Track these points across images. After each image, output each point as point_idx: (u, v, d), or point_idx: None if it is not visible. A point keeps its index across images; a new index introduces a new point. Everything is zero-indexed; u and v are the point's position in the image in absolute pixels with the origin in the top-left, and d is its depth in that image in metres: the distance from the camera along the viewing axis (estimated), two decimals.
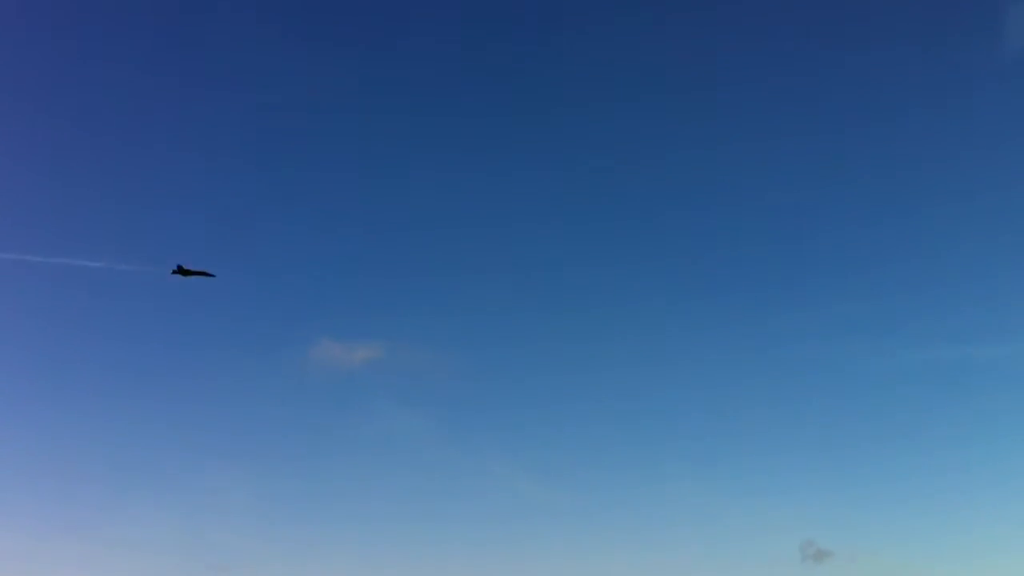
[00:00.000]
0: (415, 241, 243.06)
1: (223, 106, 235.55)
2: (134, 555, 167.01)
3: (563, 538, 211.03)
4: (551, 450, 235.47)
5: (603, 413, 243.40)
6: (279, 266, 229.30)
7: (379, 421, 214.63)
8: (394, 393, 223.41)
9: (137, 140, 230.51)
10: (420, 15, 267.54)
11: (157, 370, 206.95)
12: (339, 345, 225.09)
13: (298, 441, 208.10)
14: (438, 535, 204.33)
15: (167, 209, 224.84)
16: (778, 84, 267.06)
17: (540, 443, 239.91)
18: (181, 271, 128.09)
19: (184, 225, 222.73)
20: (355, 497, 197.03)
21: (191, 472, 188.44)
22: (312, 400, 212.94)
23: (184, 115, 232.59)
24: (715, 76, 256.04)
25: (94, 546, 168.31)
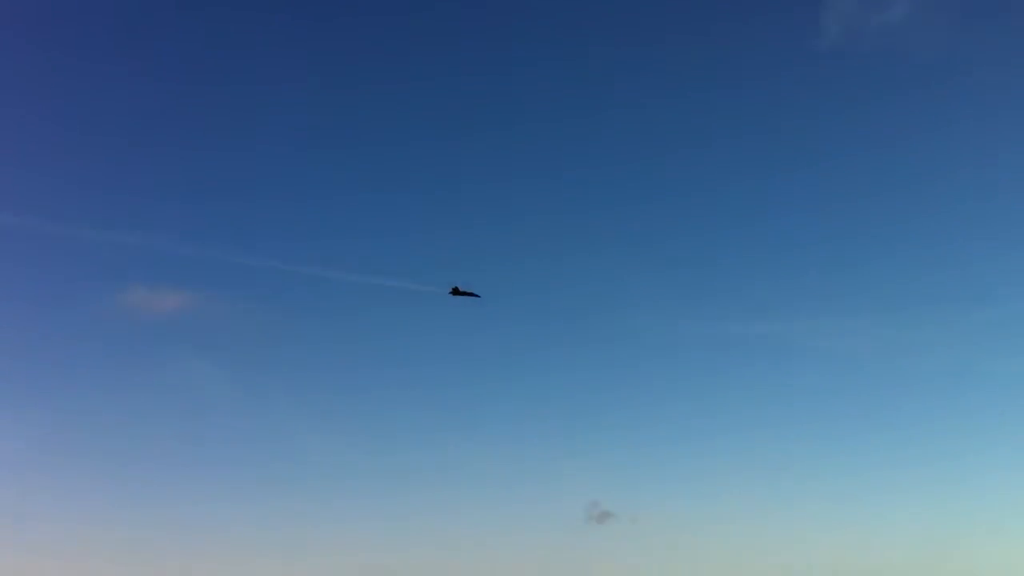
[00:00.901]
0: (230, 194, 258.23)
1: None
2: None
3: (352, 498, 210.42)
4: (347, 411, 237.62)
5: (398, 381, 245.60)
6: (89, 214, 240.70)
7: (178, 371, 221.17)
8: (197, 343, 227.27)
9: None
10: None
11: None
12: (149, 293, 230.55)
13: (93, 386, 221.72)
14: (224, 487, 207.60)
15: None
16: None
17: (337, 403, 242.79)
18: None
19: None
20: (143, 442, 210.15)
21: None
22: (115, 347, 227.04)
23: None
24: None
25: None
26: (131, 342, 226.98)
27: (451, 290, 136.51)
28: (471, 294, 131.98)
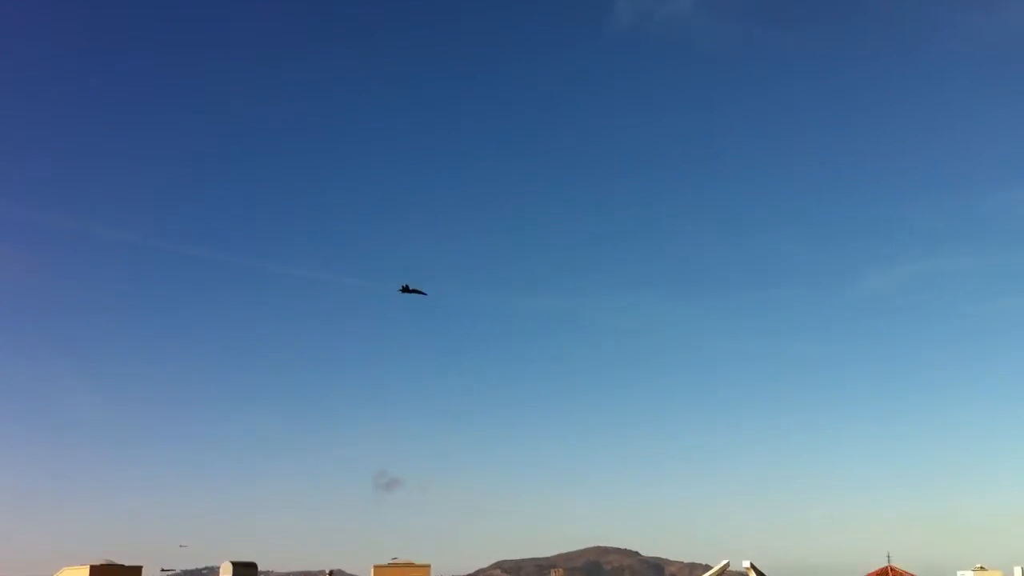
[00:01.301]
0: None
1: None
2: None
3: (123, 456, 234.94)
4: (115, 365, 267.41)
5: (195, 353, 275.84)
6: None
7: None
8: None
9: None
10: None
11: None
12: None
13: None
14: None
15: None
16: None
17: (106, 357, 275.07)
18: None
19: None
20: None
21: None
22: None
23: None
24: None
25: None
26: None
27: (401, 288, 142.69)
28: (419, 291, 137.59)
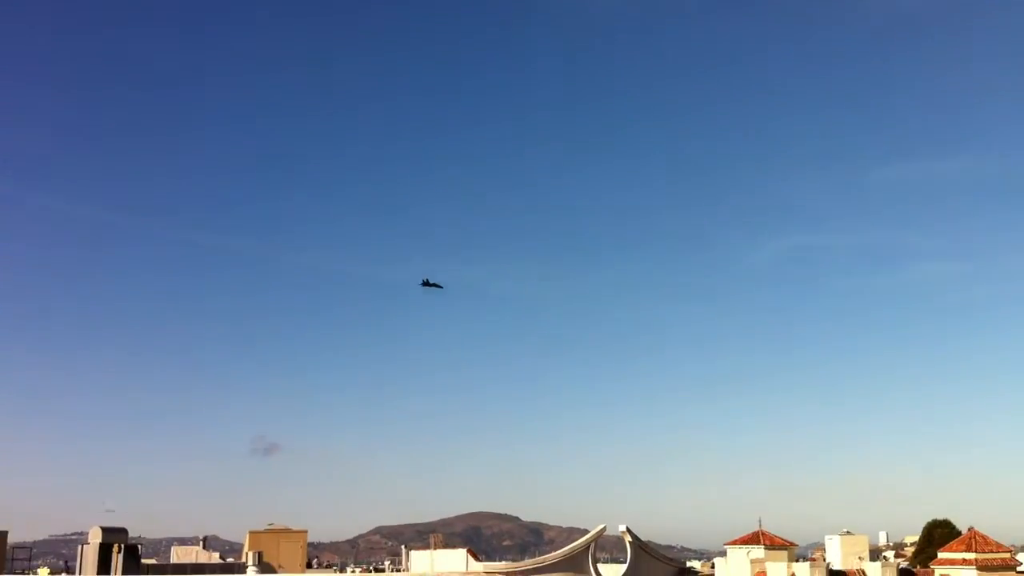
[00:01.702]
0: None
1: None
2: None
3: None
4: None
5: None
6: None
7: None
8: None
9: None
10: None
11: None
12: None
13: None
14: None
15: None
16: None
17: None
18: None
19: None
20: None
21: None
22: None
23: None
24: None
25: None
26: None
27: (422, 282, 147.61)
28: (437, 285, 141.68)
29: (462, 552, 50.82)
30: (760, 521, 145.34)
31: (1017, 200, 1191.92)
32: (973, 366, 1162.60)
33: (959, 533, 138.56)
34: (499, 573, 45.26)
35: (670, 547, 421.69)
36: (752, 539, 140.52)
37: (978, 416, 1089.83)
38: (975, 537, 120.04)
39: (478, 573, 45.82)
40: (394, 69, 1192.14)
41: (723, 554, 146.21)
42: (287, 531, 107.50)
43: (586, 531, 49.05)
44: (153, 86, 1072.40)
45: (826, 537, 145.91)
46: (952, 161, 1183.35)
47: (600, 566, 48.45)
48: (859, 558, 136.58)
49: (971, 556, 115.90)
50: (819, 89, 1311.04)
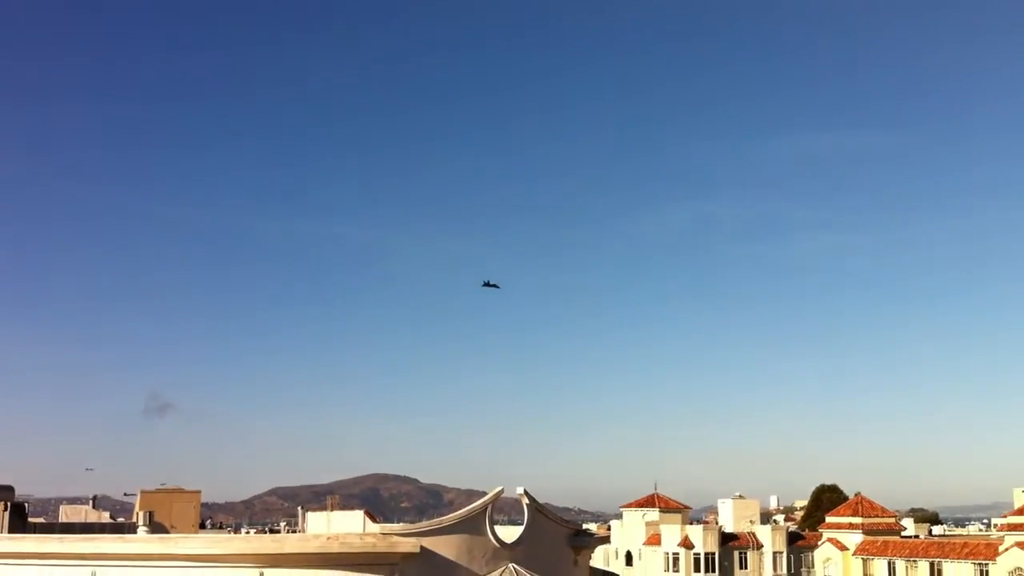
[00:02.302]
0: None
1: None
2: None
3: None
4: None
5: None
6: None
7: None
8: None
9: None
10: None
11: None
12: None
13: None
14: None
15: None
16: None
17: None
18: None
19: None
20: None
21: None
22: None
23: None
24: None
25: None
26: None
27: (483, 283, 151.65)
28: (495, 285, 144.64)
29: (359, 514, 49.95)
30: (656, 485, 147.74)
31: (902, 174, 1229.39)
32: (862, 337, 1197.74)
33: (847, 498, 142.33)
34: (396, 534, 44.60)
35: (567, 510, 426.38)
36: (647, 502, 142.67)
37: (866, 386, 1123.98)
38: (861, 502, 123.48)
39: (375, 534, 45.07)
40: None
41: (619, 516, 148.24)
42: (180, 491, 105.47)
43: (485, 493, 48.61)
44: None
45: (719, 501, 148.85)
46: (841, 135, 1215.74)
47: (497, 528, 48.12)
48: (750, 521, 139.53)
49: (857, 520, 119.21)
50: (713, 61, 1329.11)
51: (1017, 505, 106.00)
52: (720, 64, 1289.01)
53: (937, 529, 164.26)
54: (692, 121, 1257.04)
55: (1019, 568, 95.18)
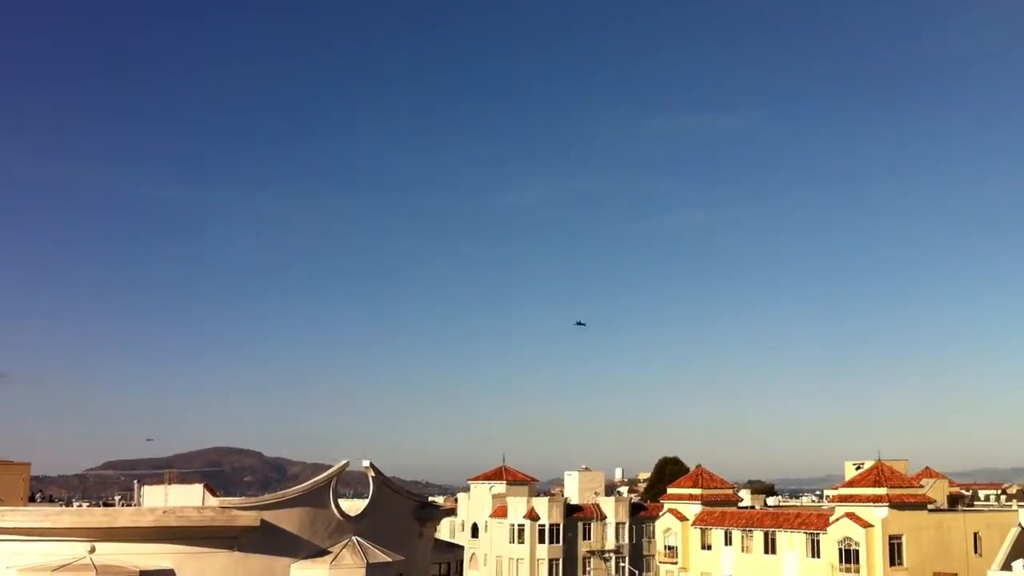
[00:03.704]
0: None
1: None
2: None
3: None
4: None
5: None
6: None
7: None
8: None
9: None
10: None
11: None
12: None
13: None
14: None
15: None
16: None
17: None
18: None
19: None
20: None
21: None
22: None
23: None
24: None
25: None
26: None
27: (576, 323, 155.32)
28: (583, 324, 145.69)
29: (198, 487, 48.37)
30: (504, 457, 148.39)
31: (771, 156, 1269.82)
32: (713, 314, 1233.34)
33: (688, 470, 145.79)
34: (236, 508, 43.19)
35: (416, 483, 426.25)
36: (495, 475, 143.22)
37: (709, 360, 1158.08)
38: (701, 474, 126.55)
39: (213, 508, 43.58)
40: None
41: (467, 490, 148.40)
42: (8, 463, 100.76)
43: (330, 466, 47.56)
44: None
45: (565, 473, 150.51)
46: (714, 116, 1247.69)
47: (342, 501, 47.15)
48: (595, 493, 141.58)
49: (697, 492, 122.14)
50: (589, 40, 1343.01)
51: (847, 477, 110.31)
52: (595, 44, 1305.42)
53: (772, 500, 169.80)
54: (563, 99, 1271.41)
55: (848, 537, 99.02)
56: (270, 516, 44.90)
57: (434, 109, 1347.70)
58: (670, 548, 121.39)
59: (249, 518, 44.32)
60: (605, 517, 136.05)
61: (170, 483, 51.90)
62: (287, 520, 45.42)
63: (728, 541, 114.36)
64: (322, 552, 46.00)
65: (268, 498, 46.58)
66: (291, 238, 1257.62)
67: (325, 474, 47.01)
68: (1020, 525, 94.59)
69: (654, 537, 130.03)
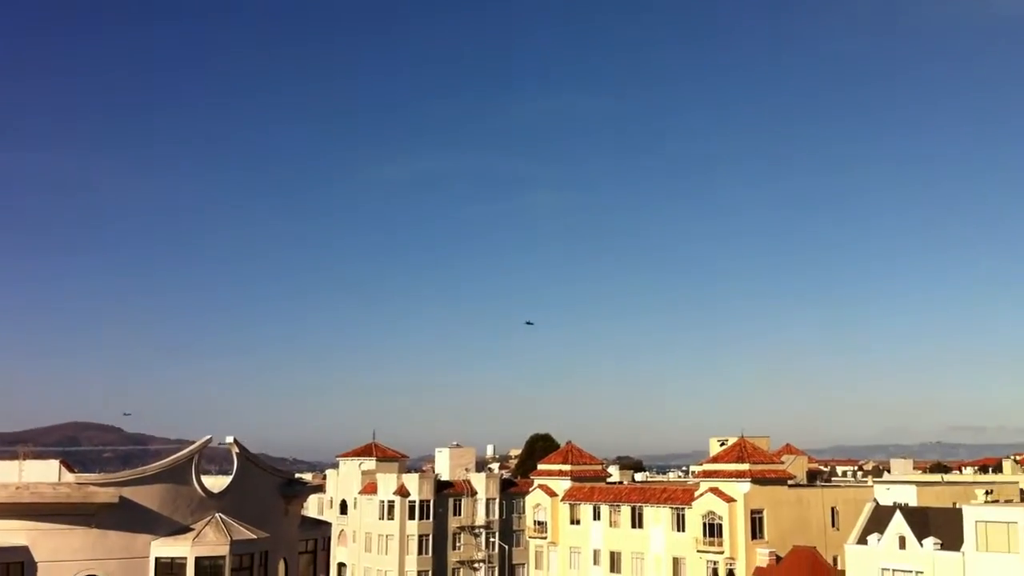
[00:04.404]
0: None
1: None
2: None
3: None
4: None
5: None
6: None
7: None
8: None
9: None
10: None
11: None
12: None
13: None
14: None
15: None
16: None
17: None
18: None
19: None
20: None
21: None
22: None
23: None
24: None
25: None
26: None
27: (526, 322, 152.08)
28: (531, 323, 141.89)
29: (54, 463, 46.54)
30: (374, 434, 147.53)
31: (621, 139, 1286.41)
32: (584, 290, 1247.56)
33: (559, 447, 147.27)
34: (93, 484, 41.70)
35: (284, 460, 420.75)
36: (364, 451, 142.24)
37: (577, 339, 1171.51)
38: (571, 451, 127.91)
39: (70, 484, 42.01)
40: None
41: (336, 466, 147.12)
42: None
43: (192, 442, 46.31)
44: None
45: (436, 450, 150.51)
46: (565, 99, 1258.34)
47: (206, 478, 45.96)
48: (466, 469, 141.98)
49: (567, 467, 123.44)
50: (449, 25, 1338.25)
51: (712, 454, 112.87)
52: (449, 27, 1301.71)
53: (640, 476, 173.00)
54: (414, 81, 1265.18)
55: (712, 512, 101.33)
56: (129, 492, 43.58)
57: (281, 89, 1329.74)
58: (540, 523, 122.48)
59: (107, 494, 42.95)
60: (476, 493, 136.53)
61: (24, 458, 49.75)
62: (147, 497, 44.14)
63: (596, 516, 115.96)
64: (184, 529, 44.84)
65: (127, 474, 45.10)
66: (176, 221, 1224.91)
67: (187, 450, 45.78)
68: (875, 500, 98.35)
69: (524, 512, 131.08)
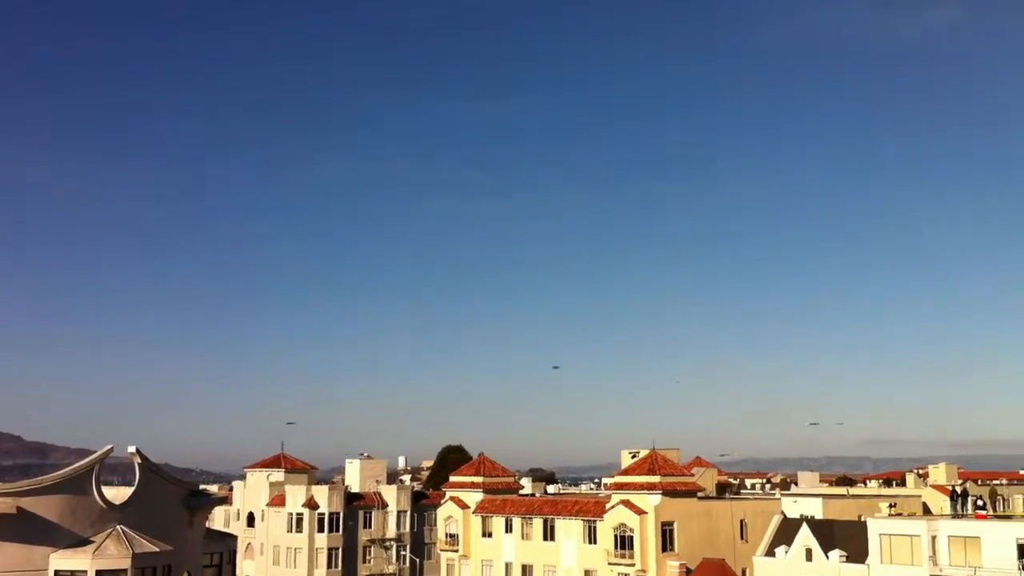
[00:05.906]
0: None
1: None
2: None
3: None
4: None
5: None
6: None
7: None
8: None
9: None
10: None
11: None
12: None
13: None
14: None
15: None
16: None
17: None
18: None
19: None
20: None
21: None
22: None
23: None
24: None
25: None
26: None
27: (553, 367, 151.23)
28: (556, 367, 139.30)
29: None
30: (283, 445, 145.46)
31: (558, 140, 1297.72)
32: (503, 301, 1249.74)
33: (471, 458, 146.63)
34: None
35: (189, 471, 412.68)
36: (273, 462, 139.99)
37: (490, 350, 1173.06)
38: (483, 462, 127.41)
39: None
40: None
41: (243, 478, 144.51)
42: None
43: (94, 451, 44.81)
44: None
45: (346, 461, 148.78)
46: (500, 103, 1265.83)
47: (107, 489, 44.49)
48: (376, 481, 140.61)
49: (479, 479, 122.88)
50: (386, 24, 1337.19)
51: (624, 466, 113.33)
52: (385, 25, 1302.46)
53: (552, 488, 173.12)
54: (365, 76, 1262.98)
55: (623, 524, 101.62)
56: (27, 503, 42.06)
57: (217, 78, 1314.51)
58: (451, 536, 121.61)
59: (4, 504, 41.42)
60: (387, 505, 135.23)
61: None
62: (46, 507, 42.61)
63: (508, 528, 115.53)
64: (85, 541, 43.37)
65: (25, 484, 43.49)
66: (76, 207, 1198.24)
67: (87, 459, 44.34)
68: (783, 513, 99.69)
69: (436, 525, 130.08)
